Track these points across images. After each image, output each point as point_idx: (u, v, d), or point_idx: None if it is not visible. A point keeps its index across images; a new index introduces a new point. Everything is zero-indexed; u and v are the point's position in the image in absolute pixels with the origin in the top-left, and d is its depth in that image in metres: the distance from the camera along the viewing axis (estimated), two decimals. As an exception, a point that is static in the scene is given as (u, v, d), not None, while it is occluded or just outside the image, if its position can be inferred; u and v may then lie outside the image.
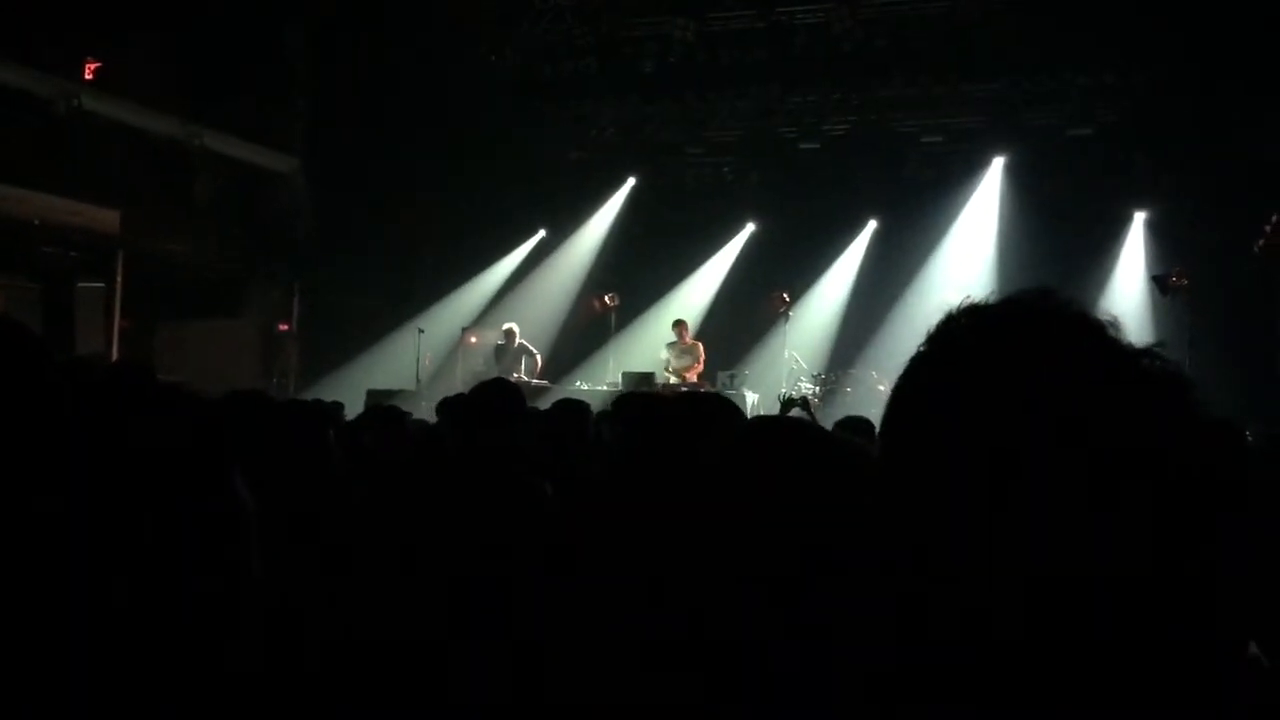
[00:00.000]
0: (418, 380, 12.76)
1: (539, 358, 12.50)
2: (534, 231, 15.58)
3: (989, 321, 0.80)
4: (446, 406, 4.49)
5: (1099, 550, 0.70)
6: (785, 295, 13.36)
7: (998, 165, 13.69)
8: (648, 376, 11.94)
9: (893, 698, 0.79)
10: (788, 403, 7.47)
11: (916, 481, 0.77)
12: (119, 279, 12.23)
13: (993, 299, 0.82)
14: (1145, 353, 0.77)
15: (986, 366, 0.76)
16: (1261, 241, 11.73)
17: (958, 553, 0.74)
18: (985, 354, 0.77)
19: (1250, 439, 4.89)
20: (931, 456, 0.76)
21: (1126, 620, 0.71)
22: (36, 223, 11.22)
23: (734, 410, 2.50)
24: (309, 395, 9.00)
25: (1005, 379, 0.75)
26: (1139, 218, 13.10)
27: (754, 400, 11.80)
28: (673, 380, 11.99)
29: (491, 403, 3.05)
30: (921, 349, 0.82)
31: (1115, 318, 0.79)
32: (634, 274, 14.47)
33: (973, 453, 0.74)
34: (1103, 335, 0.77)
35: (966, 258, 13.37)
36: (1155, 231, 12.93)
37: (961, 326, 0.80)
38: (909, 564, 0.76)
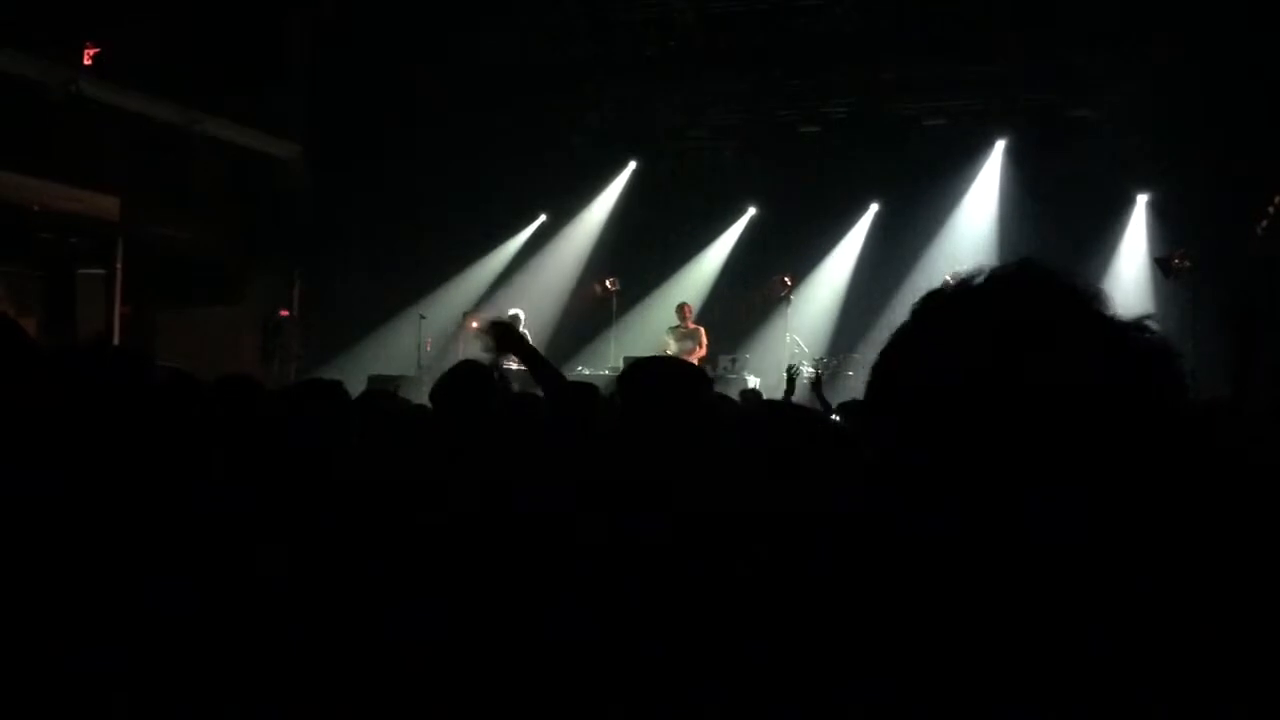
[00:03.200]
0: (419, 366, 12.77)
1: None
2: (535, 216, 15.55)
3: (970, 294, 0.78)
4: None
5: (1072, 520, 0.69)
6: (787, 279, 13.37)
7: (999, 147, 13.65)
8: (649, 361, 11.92)
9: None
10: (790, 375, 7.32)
11: (894, 450, 0.76)
12: (119, 265, 12.18)
13: (978, 272, 0.80)
14: (1134, 324, 0.76)
15: (965, 337, 0.75)
16: (1265, 223, 11.68)
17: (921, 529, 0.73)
18: (965, 325, 0.76)
19: (1249, 420, 4.88)
20: (910, 424, 0.75)
21: (1111, 603, 0.70)
22: (36, 209, 11.18)
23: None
24: (310, 381, 9.00)
25: (983, 347, 0.74)
26: (1141, 199, 13.05)
27: (756, 384, 11.79)
28: (673, 364, 11.97)
29: (454, 382, 3.19)
30: (905, 323, 0.81)
31: (1100, 289, 0.77)
32: (635, 258, 14.45)
33: (951, 420, 0.73)
34: (1087, 306, 0.76)
35: (968, 240, 13.34)
36: (1158, 213, 12.88)
37: (945, 298, 0.79)
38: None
